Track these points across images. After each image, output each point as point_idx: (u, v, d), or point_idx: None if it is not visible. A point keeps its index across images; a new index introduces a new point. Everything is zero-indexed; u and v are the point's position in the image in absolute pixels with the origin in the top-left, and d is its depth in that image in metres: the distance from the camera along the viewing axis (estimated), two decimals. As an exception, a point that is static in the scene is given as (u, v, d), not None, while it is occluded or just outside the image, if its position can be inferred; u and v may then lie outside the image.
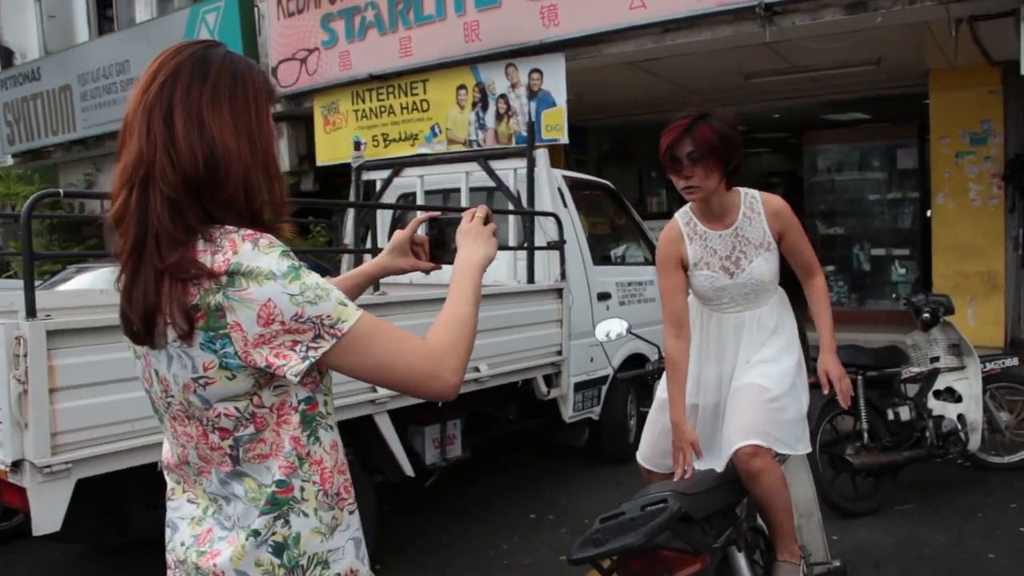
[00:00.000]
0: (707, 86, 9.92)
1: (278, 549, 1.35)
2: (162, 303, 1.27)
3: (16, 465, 2.85)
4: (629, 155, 14.72)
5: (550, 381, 5.39)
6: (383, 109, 9.92)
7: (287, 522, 1.36)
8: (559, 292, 5.40)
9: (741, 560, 2.70)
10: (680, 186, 2.90)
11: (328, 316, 1.30)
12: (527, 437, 6.16)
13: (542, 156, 5.65)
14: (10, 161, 14.83)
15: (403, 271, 1.90)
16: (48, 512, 2.87)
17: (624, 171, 14.13)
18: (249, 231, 1.34)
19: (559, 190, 5.79)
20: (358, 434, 4.20)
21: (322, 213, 10.45)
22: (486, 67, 8.92)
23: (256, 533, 1.34)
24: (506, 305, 5.00)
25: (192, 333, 1.27)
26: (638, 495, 2.58)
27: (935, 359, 5.55)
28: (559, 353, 5.38)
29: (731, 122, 2.88)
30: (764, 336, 2.98)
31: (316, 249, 9.58)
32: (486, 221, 1.69)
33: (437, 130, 9.49)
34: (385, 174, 6.39)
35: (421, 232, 1.88)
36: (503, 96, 8.95)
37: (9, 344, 2.81)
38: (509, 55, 8.67)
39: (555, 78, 8.51)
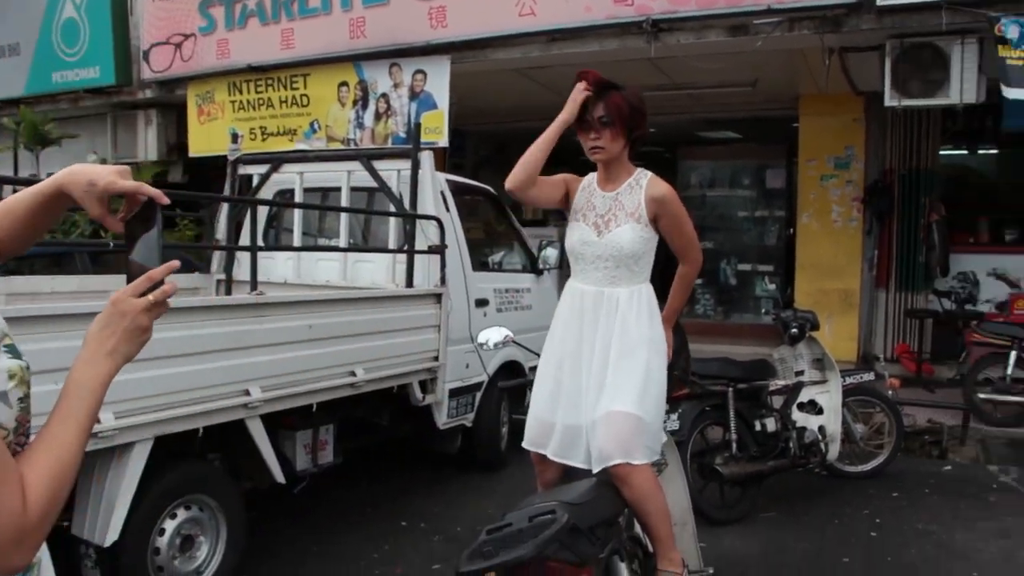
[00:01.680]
0: (588, 97, 10.01)
1: None
2: None
3: None
4: (507, 161, 14.76)
5: (425, 387, 5.30)
6: (261, 102, 9.62)
7: None
8: (438, 297, 5.32)
9: (623, 570, 2.69)
10: (587, 146, 3.09)
11: None
12: (400, 444, 6.04)
13: (427, 159, 5.56)
14: None
15: (77, 204, 1.38)
16: None
17: (501, 177, 14.13)
18: None
19: (442, 194, 5.72)
20: (226, 439, 4.02)
21: (190, 206, 10.02)
22: (370, 65, 8.77)
23: None
24: (384, 309, 4.89)
25: None
26: (523, 504, 2.54)
27: (800, 372, 5.76)
28: (436, 359, 5.30)
29: (640, 97, 3.11)
30: (618, 321, 3.03)
31: (186, 244, 9.17)
32: (149, 290, 1.25)
33: (317, 126, 9.27)
34: (263, 169, 6.14)
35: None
36: (384, 95, 8.81)
37: None
38: (394, 54, 8.55)
39: (439, 80, 8.44)
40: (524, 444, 3.19)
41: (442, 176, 5.83)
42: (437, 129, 8.56)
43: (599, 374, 3.00)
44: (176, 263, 1.30)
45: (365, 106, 8.97)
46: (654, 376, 3.02)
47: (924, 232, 9.24)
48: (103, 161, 10.80)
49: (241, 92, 9.71)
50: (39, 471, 1.11)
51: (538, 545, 2.26)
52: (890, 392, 6.42)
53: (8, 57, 11.04)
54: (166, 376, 3.47)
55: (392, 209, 5.54)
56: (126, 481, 3.35)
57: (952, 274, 9.39)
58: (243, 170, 6.24)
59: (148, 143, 10.92)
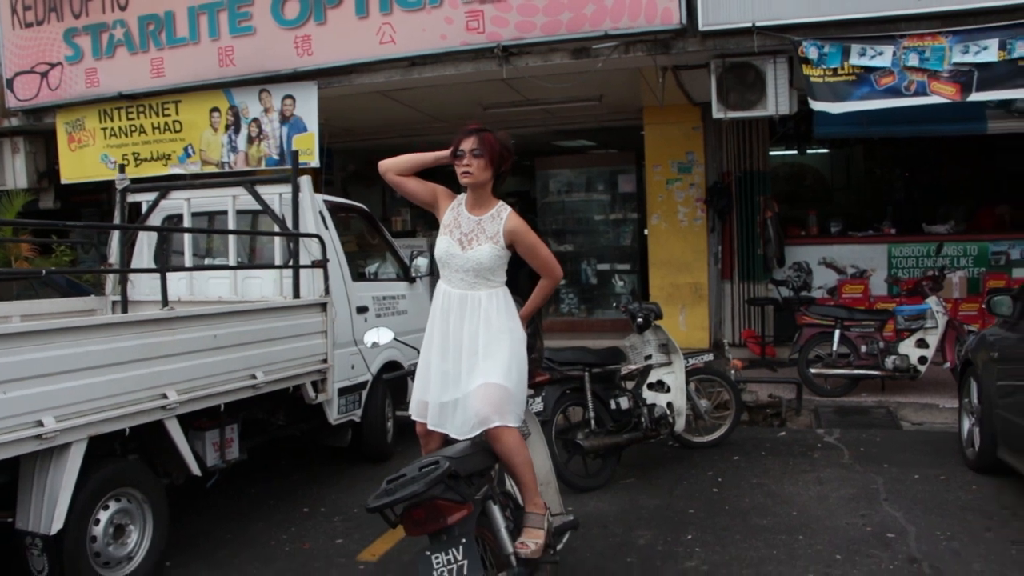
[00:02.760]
0: (450, 114, 10.73)
1: None
2: None
3: None
4: (373, 177, 15.28)
5: (317, 387, 5.85)
6: (133, 128, 9.85)
7: None
8: (323, 306, 5.89)
9: (496, 512, 3.39)
10: (459, 171, 3.73)
11: None
12: (297, 441, 6.56)
13: (306, 182, 6.11)
14: None
15: None
16: None
17: (369, 191, 14.71)
18: None
19: (320, 213, 6.28)
20: (142, 440, 4.50)
21: (65, 233, 10.17)
22: (240, 91, 9.18)
23: None
24: (275, 319, 5.42)
25: None
26: (415, 461, 3.19)
27: (648, 357, 6.61)
28: (324, 361, 5.86)
29: (507, 140, 3.82)
30: (479, 318, 3.70)
31: (80, 270, 9.32)
32: None
33: (191, 151, 9.59)
34: (151, 196, 6.55)
35: None
36: (256, 120, 9.24)
37: None
38: (263, 81, 8.99)
39: (307, 104, 8.95)
40: (411, 415, 3.84)
41: (319, 197, 6.38)
42: (308, 151, 9.06)
43: (470, 358, 3.67)
44: None
45: (237, 130, 9.36)
46: (516, 358, 3.71)
47: (760, 227, 10.29)
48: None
49: (112, 119, 9.91)
50: None
51: (427, 483, 2.94)
52: (733, 372, 7.37)
53: None
54: (96, 384, 3.97)
55: (277, 229, 6.07)
56: (66, 476, 3.84)
57: (788, 264, 10.52)
58: (132, 198, 6.62)
59: (16, 171, 10.93)
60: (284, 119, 9.16)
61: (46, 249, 10.31)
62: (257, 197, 6.08)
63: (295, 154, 6.81)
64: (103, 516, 4.18)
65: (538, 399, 5.68)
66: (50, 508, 3.80)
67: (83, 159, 10.21)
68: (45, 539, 3.84)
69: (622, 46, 7.72)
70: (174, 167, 9.67)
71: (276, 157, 9.32)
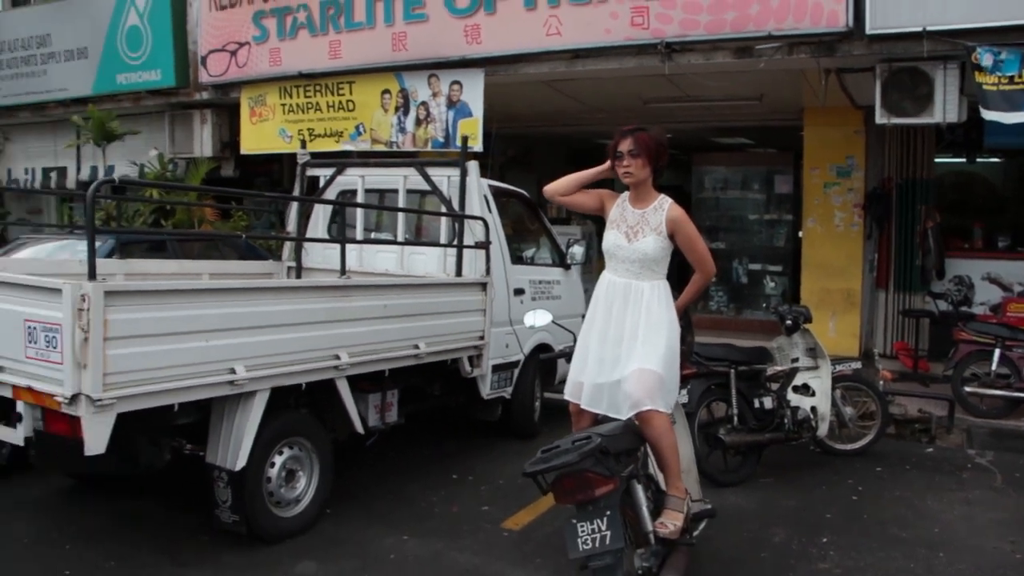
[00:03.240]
0: (610, 106, 10.87)
1: None
2: None
3: (73, 398, 3.47)
4: (530, 163, 15.63)
5: (472, 362, 6.16)
6: (310, 105, 10.47)
7: None
8: (483, 286, 6.18)
9: (639, 491, 3.57)
10: (620, 172, 3.97)
11: None
12: (451, 413, 6.91)
13: (473, 166, 6.43)
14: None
15: None
16: (96, 437, 3.53)
17: (526, 176, 15.02)
18: None
19: (485, 197, 6.58)
20: (317, 396, 4.92)
21: (243, 200, 10.93)
22: (410, 75, 9.61)
23: None
24: (439, 294, 5.76)
25: None
26: (568, 436, 3.42)
27: (795, 359, 6.60)
28: (481, 338, 6.16)
29: (662, 135, 4.04)
30: (642, 307, 3.89)
31: (271, 236, 9.95)
32: None
33: (362, 129, 10.12)
34: (328, 172, 7.03)
35: None
36: (424, 103, 9.65)
37: (75, 301, 3.43)
38: (433, 66, 9.38)
39: (474, 91, 9.28)
40: (566, 395, 4.07)
41: (485, 181, 6.69)
42: (472, 135, 9.39)
43: (629, 343, 3.86)
44: None
45: (407, 112, 9.81)
46: (672, 348, 3.89)
47: (920, 237, 9.95)
48: (161, 156, 11.78)
49: (291, 96, 10.57)
50: None
51: (580, 455, 3.17)
52: (881, 383, 7.25)
53: (77, 60, 11.97)
54: (281, 340, 4.39)
55: (443, 210, 6.41)
56: (251, 421, 4.28)
57: (948, 277, 10.10)
58: (311, 172, 7.12)
59: (203, 140, 11.82)
60: (451, 104, 9.54)
61: (225, 214, 11.12)
62: (427, 178, 6.43)
63: (464, 139, 7.13)
64: (277, 460, 4.63)
65: (684, 391, 5.79)
66: (236, 447, 4.25)
67: (262, 132, 10.95)
68: (230, 474, 4.30)
69: (785, 47, 7.65)
70: (345, 144, 10.22)
71: (441, 139, 9.72)
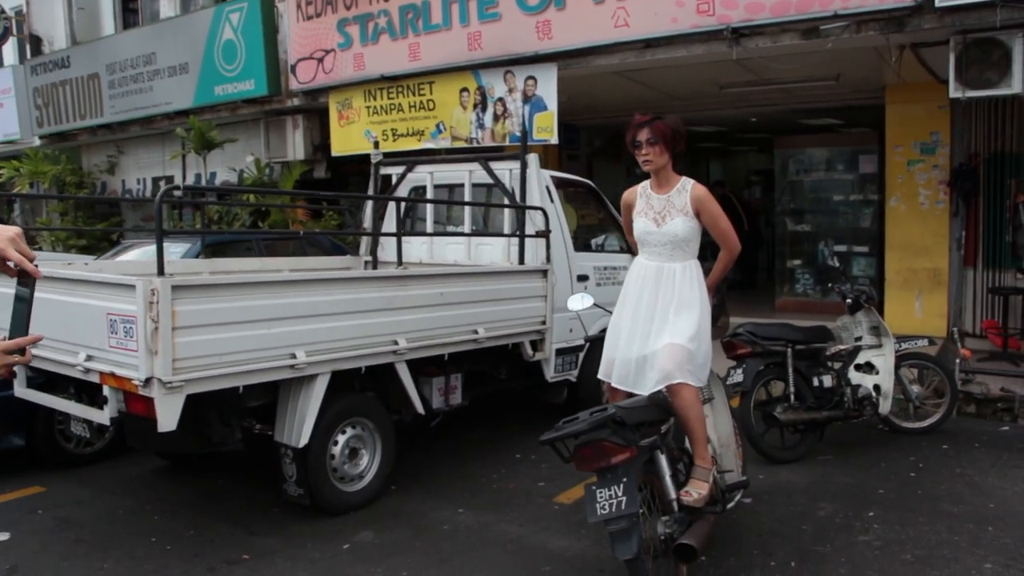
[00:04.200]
0: (686, 93, 10.94)
1: None
2: None
3: (147, 381, 3.92)
4: (619, 152, 15.76)
5: (535, 346, 6.43)
6: (393, 107, 10.93)
7: None
8: (544, 273, 6.43)
9: (663, 461, 3.77)
10: (640, 160, 4.19)
11: None
12: (518, 396, 7.19)
13: (533, 159, 6.68)
14: (38, 142, 15.81)
15: None
16: (168, 415, 3.98)
17: (613, 167, 15.17)
18: None
19: (547, 188, 6.82)
20: (380, 379, 5.28)
21: (334, 200, 11.47)
22: (487, 72, 9.92)
23: None
24: (496, 282, 6.04)
25: None
26: (588, 410, 3.65)
27: (858, 338, 6.62)
28: (543, 323, 6.42)
29: (677, 122, 4.18)
30: (673, 288, 4.10)
31: (334, 231, 10.53)
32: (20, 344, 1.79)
33: (442, 127, 10.50)
34: (400, 169, 7.41)
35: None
36: (501, 99, 9.95)
37: (147, 295, 3.88)
38: (508, 63, 9.66)
39: (547, 85, 9.52)
40: (599, 375, 4.29)
41: (547, 172, 6.93)
42: (548, 128, 9.68)
43: (660, 320, 4.07)
44: (37, 337, 1.80)
45: (484, 109, 10.13)
46: (702, 326, 4.08)
47: (1011, 212, 9.68)
48: (257, 162, 12.48)
49: (375, 99, 11.05)
50: None
51: (590, 424, 3.41)
52: (958, 361, 7.16)
53: (179, 75, 12.79)
54: (340, 327, 4.76)
55: (505, 201, 6.69)
56: (312, 402, 4.67)
57: (1042, 253, 9.84)
58: (384, 170, 7.51)
59: (296, 145, 12.45)
60: (526, 98, 9.80)
61: (317, 214, 11.71)
62: (490, 172, 6.73)
63: (523, 133, 7.39)
64: (340, 439, 5.02)
65: (739, 371, 5.96)
66: (299, 426, 4.65)
67: (350, 134, 11.47)
68: (294, 451, 4.72)
69: (853, 25, 7.59)
70: (426, 142, 10.62)
71: (518, 134, 9.95)
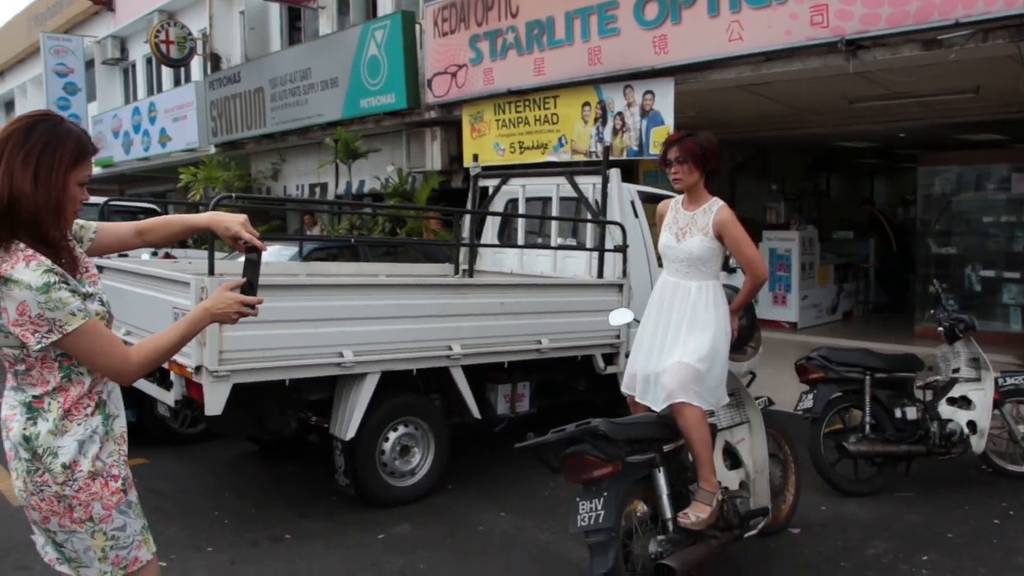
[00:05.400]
0: (815, 107, 10.61)
1: (26, 439, 2.19)
2: None
3: (197, 369, 4.36)
4: (764, 168, 15.39)
5: (609, 359, 6.47)
6: (519, 120, 11.21)
7: (34, 423, 2.20)
8: (620, 287, 6.47)
9: (660, 479, 3.78)
10: (670, 178, 4.24)
11: (58, 320, 2.10)
12: (596, 408, 7.21)
13: (615, 174, 6.74)
14: (213, 150, 17.21)
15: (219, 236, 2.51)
16: (215, 401, 4.40)
17: (756, 184, 14.82)
18: (31, 252, 2.11)
19: (631, 202, 6.85)
20: (444, 386, 5.52)
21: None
22: (607, 87, 10.02)
23: (23, 426, 2.21)
24: (566, 294, 6.16)
25: None
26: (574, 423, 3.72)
27: (956, 370, 6.23)
28: (617, 337, 6.45)
29: (709, 140, 4.20)
30: (688, 305, 4.09)
31: (434, 242, 10.87)
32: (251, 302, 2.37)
33: (564, 141, 10.68)
34: (496, 181, 7.65)
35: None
36: (620, 114, 10.02)
37: (198, 292, 4.31)
38: (627, 77, 9.73)
39: (664, 99, 9.51)
40: (622, 388, 4.32)
41: (632, 187, 6.96)
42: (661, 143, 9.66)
43: (673, 338, 4.07)
44: (261, 299, 2.38)
45: (604, 123, 10.23)
46: (714, 347, 4.02)
47: None
48: (399, 171, 13.09)
49: (504, 112, 11.37)
50: (146, 346, 2.28)
51: (560, 436, 3.47)
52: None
53: (330, 89, 13.61)
54: (388, 330, 5.04)
55: (589, 216, 6.78)
56: (361, 399, 4.97)
57: None
58: (482, 183, 7.77)
59: (433, 155, 12.97)
60: (644, 113, 9.83)
61: (448, 224, 12.16)
62: (575, 186, 6.85)
63: (607, 149, 7.49)
64: (392, 436, 5.29)
65: (809, 396, 5.77)
66: (348, 421, 4.96)
67: (482, 146, 11.82)
68: (343, 443, 5.03)
69: (978, 34, 7.17)
70: (549, 155, 10.83)
71: (636, 148, 10.03)
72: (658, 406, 4.00)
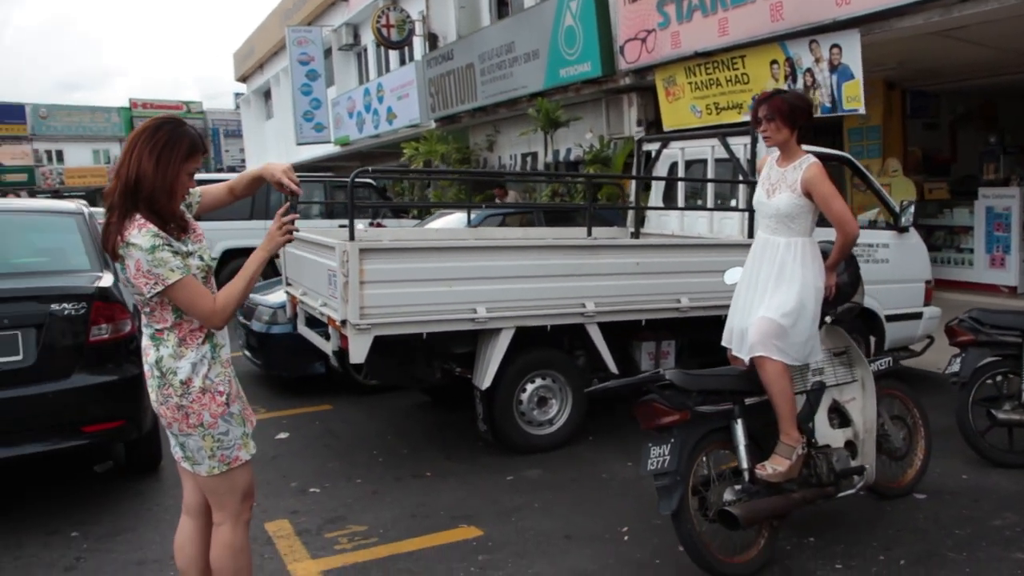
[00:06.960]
0: (1029, 48, 9.74)
1: (156, 361, 2.83)
2: (110, 242, 2.77)
3: (343, 322, 5.04)
4: (992, 118, 14.20)
5: (757, 321, 6.52)
6: (711, 82, 11.18)
7: (158, 348, 2.84)
8: (755, 246, 6.49)
9: (738, 431, 3.94)
10: (761, 136, 4.32)
11: (161, 275, 2.69)
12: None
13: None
14: (432, 125, 18.33)
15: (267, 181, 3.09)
16: (357, 350, 5.04)
17: (979, 136, 13.74)
18: (143, 220, 2.69)
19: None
20: (587, 343, 5.88)
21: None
22: (792, 43, 9.81)
23: (152, 352, 2.86)
24: (714, 254, 6.24)
25: (116, 260, 2.80)
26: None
27: None
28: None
29: (798, 98, 4.27)
30: (776, 262, 4.15)
31: (609, 205, 11.13)
32: (285, 222, 2.89)
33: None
34: (657, 145, 7.84)
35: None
36: (809, 70, 9.77)
37: (341, 255, 4.95)
38: (809, 32, 9.47)
39: (852, 52, 9.17)
40: (722, 342, 4.48)
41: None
42: (855, 97, 9.38)
43: (761, 293, 4.19)
44: (296, 215, 2.93)
45: (795, 81, 10.00)
46: (801, 304, 4.07)
47: None
48: (600, 138, 13.43)
49: (695, 75, 11.38)
50: (225, 294, 2.84)
51: (622, 384, 3.74)
52: None
53: (532, 61, 14.14)
54: (522, 288, 5.48)
55: (740, 177, 6.82)
56: (497, 352, 5.46)
57: None
58: (646, 147, 7.98)
59: (631, 121, 13.20)
60: (832, 68, 9.54)
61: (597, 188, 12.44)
62: (727, 147, 6.90)
63: (754, 107, 7.35)
64: (529, 387, 5.75)
65: (957, 360, 5.56)
66: (485, 371, 5.49)
67: (677, 110, 11.92)
68: (481, 392, 5.55)
69: None
70: (745, 116, 10.72)
71: (828, 105, 9.76)
72: (746, 359, 4.15)
